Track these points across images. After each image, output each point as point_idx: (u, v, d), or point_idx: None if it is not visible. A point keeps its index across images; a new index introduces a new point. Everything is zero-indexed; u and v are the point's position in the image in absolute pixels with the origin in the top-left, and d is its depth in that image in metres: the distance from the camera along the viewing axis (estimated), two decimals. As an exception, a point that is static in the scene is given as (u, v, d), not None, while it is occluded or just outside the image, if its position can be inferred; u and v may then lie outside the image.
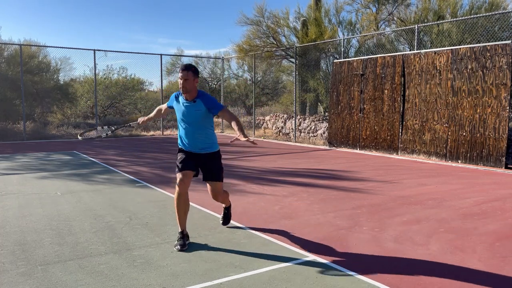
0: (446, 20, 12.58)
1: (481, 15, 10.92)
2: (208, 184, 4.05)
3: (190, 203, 4.51)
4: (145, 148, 11.93)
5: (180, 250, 3.62)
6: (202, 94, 3.85)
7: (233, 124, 3.75)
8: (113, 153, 10.59)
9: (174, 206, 3.84)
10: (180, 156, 3.93)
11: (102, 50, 16.56)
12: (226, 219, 4.35)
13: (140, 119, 4.34)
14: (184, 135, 3.92)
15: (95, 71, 15.52)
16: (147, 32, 63.31)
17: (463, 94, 8.99)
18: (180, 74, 3.73)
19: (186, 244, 3.72)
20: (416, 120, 9.97)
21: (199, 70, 25.06)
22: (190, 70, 3.74)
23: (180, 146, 4.00)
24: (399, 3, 16.10)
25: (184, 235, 3.78)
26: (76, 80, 21.18)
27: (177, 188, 3.76)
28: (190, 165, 3.86)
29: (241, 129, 3.66)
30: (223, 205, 4.34)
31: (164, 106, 4.22)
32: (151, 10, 63.69)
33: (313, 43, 15.20)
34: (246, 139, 3.51)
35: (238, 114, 22.06)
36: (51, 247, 3.69)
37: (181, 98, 3.89)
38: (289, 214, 4.84)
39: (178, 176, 3.79)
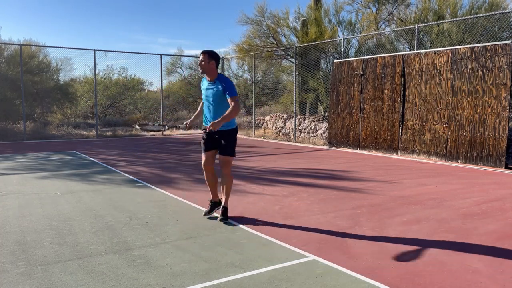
0: (446, 20, 12.58)
1: (481, 15, 10.92)
2: (219, 157, 4.57)
3: (190, 203, 4.75)
4: (145, 148, 11.93)
5: (205, 215, 4.61)
6: (222, 76, 4.50)
7: (229, 113, 4.29)
8: (113, 153, 10.59)
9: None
10: (203, 139, 4.63)
11: (102, 50, 16.58)
12: (225, 215, 4.53)
13: (187, 122, 4.79)
14: (207, 112, 4.56)
15: (95, 71, 15.52)
16: (147, 32, 63.30)
17: (463, 94, 8.99)
18: (201, 57, 4.42)
19: (208, 212, 4.64)
20: (416, 120, 9.97)
21: (199, 70, 25.12)
22: (206, 54, 4.42)
23: (204, 125, 4.61)
24: (399, 3, 16.10)
25: (212, 203, 4.68)
26: (76, 80, 21.19)
27: (203, 167, 4.65)
28: (210, 147, 4.59)
29: (222, 118, 4.24)
30: (222, 203, 4.61)
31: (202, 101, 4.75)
32: (151, 10, 63.69)
33: (313, 43, 15.20)
34: (210, 125, 4.19)
35: (238, 114, 22.02)
36: (51, 247, 3.69)
37: (205, 81, 4.58)
38: (289, 214, 4.84)
39: (203, 157, 4.65)
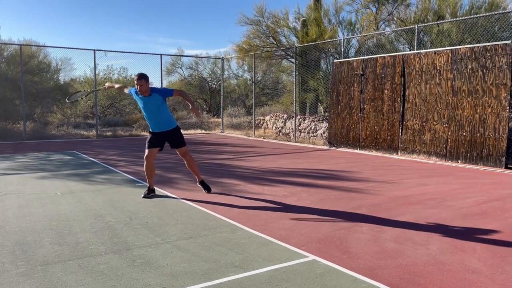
0: (446, 20, 12.58)
1: (481, 15, 10.92)
2: (176, 150, 5.72)
3: (190, 203, 4.80)
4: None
5: (144, 197, 5.54)
6: (155, 89, 5.47)
7: (186, 98, 5.61)
8: (113, 153, 10.59)
9: (144, 172, 5.64)
10: (149, 137, 5.62)
11: (102, 50, 16.56)
12: (206, 186, 5.86)
13: (107, 84, 6.03)
14: (149, 120, 5.57)
15: (95, 71, 15.52)
16: (147, 32, 63.29)
17: (463, 94, 8.99)
18: (136, 82, 5.36)
19: (149, 195, 5.60)
20: (416, 120, 9.97)
21: (199, 70, 24.99)
22: (143, 79, 5.35)
23: (150, 129, 5.63)
24: (399, 3, 16.10)
25: (149, 190, 5.65)
26: (76, 80, 21.19)
27: (145, 161, 5.56)
28: (155, 144, 5.57)
29: (192, 102, 5.58)
30: (198, 182, 5.92)
31: (126, 89, 5.87)
32: (151, 10, 63.67)
33: (313, 43, 15.20)
34: (193, 109, 5.58)
35: (238, 114, 22.04)
36: (51, 247, 3.69)
37: (138, 96, 5.47)
38: (289, 214, 4.84)
39: (146, 152, 5.57)
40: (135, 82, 5.39)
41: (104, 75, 22.22)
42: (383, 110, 10.69)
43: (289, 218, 4.67)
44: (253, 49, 17.86)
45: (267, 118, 17.80)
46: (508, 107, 8.28)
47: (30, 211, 4.90)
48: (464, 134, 9.01)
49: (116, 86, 6.02)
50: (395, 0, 16.18)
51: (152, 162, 5.60)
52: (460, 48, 9.10)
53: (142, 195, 5.59)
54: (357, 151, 11.30)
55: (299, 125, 15.00)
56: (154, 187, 5.78)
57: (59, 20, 59.01)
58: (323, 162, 9.27)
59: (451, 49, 9.27)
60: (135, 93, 5.51)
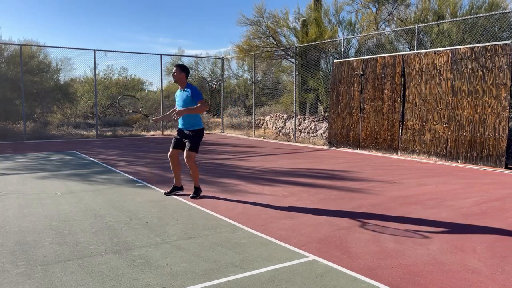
0: (446, 20, 12.58)
1: (481, 15, 10.92)
2: (184, 152, 5.54)
3: (190, 203, 4.80)
4: (145, 148, 11.93)
5: (165, 194, 5.75)
6: (190, 85, 5.58)
7: (193, 109, 5.41)
8: (113, 153, 10.59)
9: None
10: (175, 139, 5.65)
11: (102, 50, 16.55)
12: (196, 193, 5.63)
13: (155, 118, 6.07)
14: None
15: (95, 71, 15.51)
16: (147, 32, 63.31)
17: (463, 94, 8.99)
18: (174, 69, 5.57)
19: (172, 192, 5.77)
20: (416, 120, 9.97)
21: (199, 70, 24.97)
22: (177, 67, 5.55)
23: (179, 127, 5.68)
24: (399, 3, 16.09)
25: (174, 187, 5.81)
26: (76, 80, 21.19)
27: (169, 157, 5.69)
28: (177, 144, 5.61)
29: (186, 109, 5.38)
30: (194, 185, 5.70)
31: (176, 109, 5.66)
32: (151, 10, 63.67)
33: (313, 43, 15.20)
34: (175, 113, 5.38)
35: (238, 114, 22.03)
36: (51, 247, 3.69)
37: (178, 89, 5.67)
38: (289, 214, 4.84)
39: (169, 151, 5.67)
40: (174, 70, 5.59)
41: (104, 75, 22.24)
42: (383, 110, 10.69)
43: (289, 218, 4.67)
44: (253, 49, 17.86)
45: (267, 118, 17.80)
46: (508, 107, 8.28)
47: (30, 211, 4.90)
48: (464, 134, 9.01)
49: (162, 115, 6.18)
50: (395, 0, 16.18)
51: (175, 160, 5.67)
52: (460, 48, 9.10)
53: (165, 192, 5.85)
54: (357, 151, 11.30)
55: (299, 125, 15.00)
56: (181, 185, 5.87)
57: (59, 20, 59.01)
58: (323, 162, 9.27)
59: (451, 49, 9.27)
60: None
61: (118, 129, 17.47)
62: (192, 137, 5.53)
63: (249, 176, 7.36)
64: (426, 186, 6.56)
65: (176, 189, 5.82)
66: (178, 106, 5.58)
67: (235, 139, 14.89)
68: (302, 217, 4.72)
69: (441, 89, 9.42)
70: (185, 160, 5.50)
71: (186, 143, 5.53)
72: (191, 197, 5.57)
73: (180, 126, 5.63)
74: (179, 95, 5.60)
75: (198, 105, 5.41)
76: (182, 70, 5.55)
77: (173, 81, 5.60)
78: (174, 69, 5.54)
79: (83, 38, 57.62)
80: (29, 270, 3.19)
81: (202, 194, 5.68)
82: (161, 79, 17.18)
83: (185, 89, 5.54)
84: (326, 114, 15.76)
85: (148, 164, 8.68)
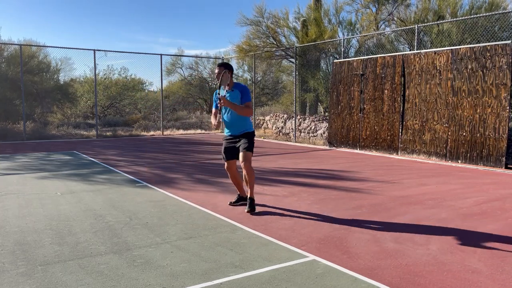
0: (446, 20, 12.58)
1: (481, 15, 10.92)
2: (240, 155, 4.87)
3: (190, 203, 4.78)
4: (145, 148, 11.93)
5: (231, 204, 5.18)
6: (238, 84, 4.97)
7: (237, 108, 4.82)
8: (113, 153, 10.59)
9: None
10: (223, 145, 5.04)
11: (102, 50, 16.56)
12: (253, 206, 4.89)
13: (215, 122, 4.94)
14: (225, 120, 4.94)
15: (95, 71, 15.52)
16: (147, 32, 63.30)
17: (463, 94, 8.99)
18: (217, 70, 4.83)
19: (238, 202, 5.17)
20: (416, 120, 9.97)
21: (199, 70, 24.99)
22: (222, 66, 4.83)
23: (225, 135, 5.07)
24: (399, 3, 16.09)
25: (239, 197, 5.21)
26: (76, 80, 21.19)
27: (227, 171, 5.08)
28: (230, 153, 4.97)
29: (234, 104, 4.79)
30: (249, 195, 4.96)
31: (213, 110, 4.97)
32: (151, 10, 63.66)
33: (313, 43, 15.20)
34: (222, 100, 4.70)
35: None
36: (51, 247, 3.69)
37: (221, 91, 4.83)
38: (289, 214, 4.84)
39: (225, 164, 5.05)
40: (216, 70, 4.85)
41: (104, 75, 22.23)
42: (383, 110, 10.69)
43: (289, 218, 4.67)
44: (253, 49, 17.86)
45: (267, 118, 17.80)
46: (508, 107, 8.27)
47: (30, 211, 4.90)
48: (464, 134, 9.01)
49: (216, 118, 4.94)
50: (395, 0, 16.18)
51: (234, 172, 5.04)
52: (460, 48, 9.10)
53: (230, 202, 5.22)
54: (357, 151, 11.30)
55: (299, 125, 15.00)
56: (246, 194, 5.06)
57: (59, 20, 58.99)
58: (323, 162, 9.27)
59: (451, 49, 9.27)
60: (215, 95, 4.92)
61: (118, 129, 17.47)
62: (246, 137, 4.90)
63: (249, 176, 7.36)
64: (426, 186, 6.56)
65: (242, 199, 5.19)
66: (227, 112, 4.91)
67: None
68: (302, 217, 4.72)
69: (441, 89, 9.41)
70: (242, 163, 4.81)
71: (241, 145, 4.87)
72: (250, 212, 4.83)
73: (229, 133, 4.98)
74: (228, 97, 4.87)
75: (243, 106, 4.85)
76: (229, 69, 4.85)
77: (219, 84, 4.79)
78: (217, 70, 4.83)
79: (83, 38, 57.62)
80: (29, 270, 3.19)
81: (202, 194, 5.68)
82: (161, 79, 17.19)
83: (234, 89, 4.90)
84: (326, 114, 15.75)
85: (148, 164, 8.68)
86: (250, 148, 4.86)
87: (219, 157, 9.91)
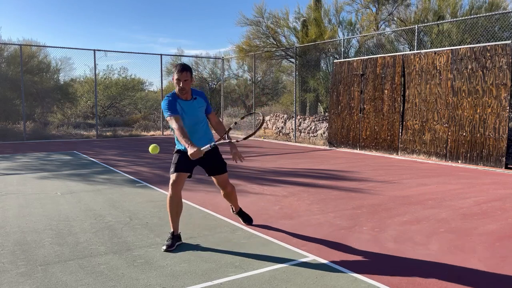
0: (446, 20, 12.58)
1: (481, 15, 10.92)
2: (215, 178, 4.05)
3: (191, 204, 4.57)
4: (145, 148, 11.93)
5: (166, 250, 3.54)
6: (196, 91, 3.91)
7: (223, 127, 4.03)
8: (113, 153, 10.59)
9: (167, 207, 3.79)
10: (176, 157, 3.81)
11: (102, 50, 16.54)
12: (246, 218, 4.39)
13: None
14: (194, 133, 3.78)
15: (95, 71, 15.52)
16: (147, 32, 63.32)
17: (463, 94, 8.99)
18: (177, 75, 3.63)
19: (174, 245, 3.63)
20: (416, 120, 9.97)
21: (199, 70, 25.02)
22: (188, 71, 3.67)
23: (178, 148, 3.86)
24: (399, 3, 16.09)
25: (174, 236, 3.71)
26: (76, 80, 21.20)
27: (170, 189, 3.72)
28: (185, 168, 3.78)
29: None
30: (234, 212, 4.40)
31: (180, 122, 3.64)
32: (151, 10, 63.67)
33: (313, 43, 15.20)
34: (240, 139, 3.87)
35: (238, 114, 22.03)
36: (51, 247, 3.69)
37: (179, 100, 3.74)
38: (289, 214, 4.84)
39: (172, 177, 3.73)
40: (176, 76, 3.65)
41: (104, 75, 22.23)
42: (383, 110, 10.69)
43: (289, 218, 4.67)
44: (253, 49, 17.86)
45: (267, 118, 17.80)
46: (508, 107, 8.27)
47: (30, 211, 4.90)
48: (464, 134, 9.01)
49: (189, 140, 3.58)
50: (395, 0, 16.18)
51: (179, 193, 3.78)
52: (460, 48, 9.10)
53: (163, 247, 3.62)
54: (357, 151, 11.30)
55: (299, 125, 15.00)
56: (179, 232, 3.85)
57: (59, 20, 58.99)
58: (323, 162, 9.27)
59: (451, 49, 9.27)
60: (174, 102, 3.73)
61: (118, 129, 17.47)
62: (219, 153, 4.09)
63: (249, 176, 7.36)
64: (426, 186, 6.56)
65: (178, 240, 3.77)
66: (191, 122, 3.79)
67: (234, 139, 14.87)
68: (302, 217, 4.72)
69: (441, 89, 9.41)
70: (227, 185, 4.13)
71: (217, 165, 4.05)
72: (249, 223, 4.35)
73: (197, 144, 3.60)
74: (188, 107, 3.78)
75: (217, 118, 4.09)
76: (191, 73, 3.76)
77: (181, 90, 3.69)
78: (181, 75, 3.64)
79: (83, 38, 57.61)
80: (29, 270, 3.19)
81: (202, 194, 5.67)
82: (161, 79, 17.19)
83: (195, 97, 3.86)
84: (326, 114, 15.75)
85: (148, 164, 8.68)
86: (225, 166, 4.11)
87: (219, 157, 9.91)
